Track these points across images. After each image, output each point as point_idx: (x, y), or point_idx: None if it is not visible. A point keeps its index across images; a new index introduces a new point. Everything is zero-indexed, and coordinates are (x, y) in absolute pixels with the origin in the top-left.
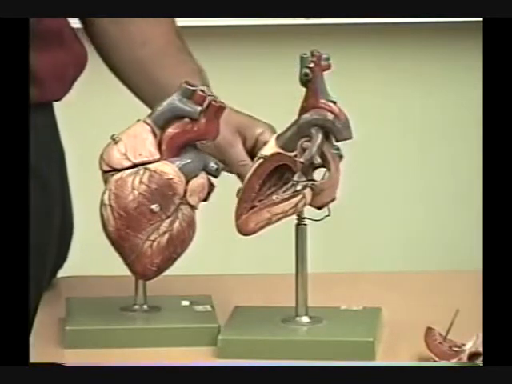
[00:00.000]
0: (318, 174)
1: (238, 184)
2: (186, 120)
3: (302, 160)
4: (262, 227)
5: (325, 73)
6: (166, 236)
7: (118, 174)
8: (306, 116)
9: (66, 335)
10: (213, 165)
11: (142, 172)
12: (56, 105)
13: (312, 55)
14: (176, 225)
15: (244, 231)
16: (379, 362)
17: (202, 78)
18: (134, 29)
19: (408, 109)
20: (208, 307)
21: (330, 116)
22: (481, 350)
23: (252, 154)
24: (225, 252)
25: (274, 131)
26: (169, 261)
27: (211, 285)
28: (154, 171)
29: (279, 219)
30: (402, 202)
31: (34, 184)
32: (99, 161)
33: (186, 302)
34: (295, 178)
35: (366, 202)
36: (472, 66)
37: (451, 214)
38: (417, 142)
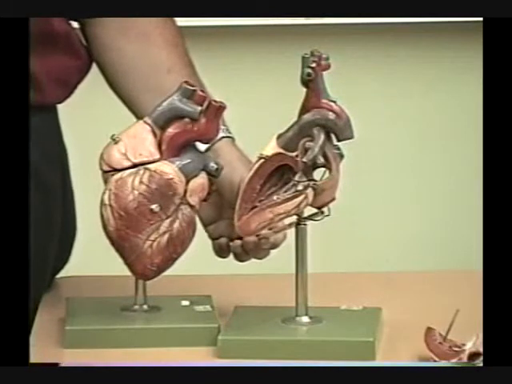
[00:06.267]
0: (317, 174)
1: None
2: (186, 120)
3: (304, 160)
4: (264, 228)
5: (324, 73)
6: (166, 236)
7: (118, 174)
8: (308, 116)
9: (66, 335)
10: (213, 165)
11: (141, 172)
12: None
13: (312, 55)
14: (176, 225)
15: (245, 232)
16: (379, 361)
17: None
18: (157, 51)
19: (408, 109)
20: (208, 307)
21: (331, 116)
22: (481, 350)
23: None
24: None
25: None
26: (169, 261)
27: (211, 285)
28: (154, 171)
29: (281, 219)
30: (401, 202)
31: (34, 185)
32: (99, 161)
33: (185, 302)
34: (296, 178)
35: (366, 201)
36: (472, 66)
37: (451, 213)
38: (417, 141)
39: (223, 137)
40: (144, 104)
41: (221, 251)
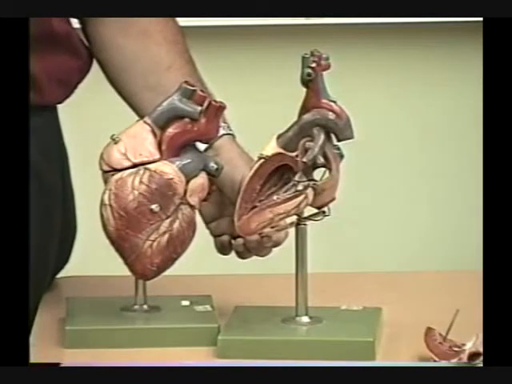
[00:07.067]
0: (317, 174)
1: None
2: (186, 120)
3: (304, 160)
4: (264, 227)
5: (324, 73)
6: (166, 236)
7: (118, 174)
8: (308, 116)
9: (66, 335)
10: (213, 165)
11: (141, 172)
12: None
13: (312, 55)
14: (176, 225)
15: (245, 232)
16: (379, 361)
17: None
18: (157, 49)
19: (408, 109)
20: (208, 307)
21: (331, 116)
22: (481, 350)
23: None
24: None
25: None
26: (169, 261)
27: (211, 285)
28: (154, 171)
29: (281, 219)
30: (402, 202)
31: (34, 185)
32: (99, 161)
33: (186, 302)
34: (296, 178)
35: (366, 201)
36: (472, 66)
37: (451, 214)
38: (417, 141)
39: (224, 134)
40: (144, 102)
41: (223, 248)
